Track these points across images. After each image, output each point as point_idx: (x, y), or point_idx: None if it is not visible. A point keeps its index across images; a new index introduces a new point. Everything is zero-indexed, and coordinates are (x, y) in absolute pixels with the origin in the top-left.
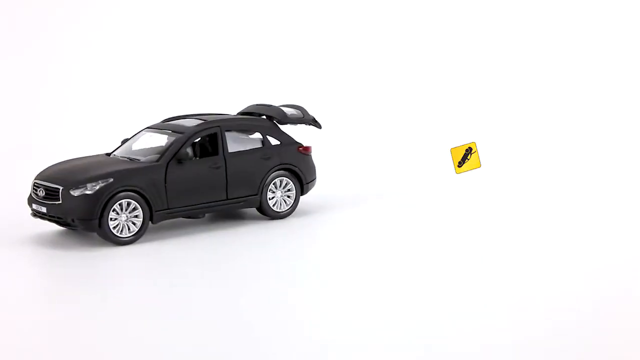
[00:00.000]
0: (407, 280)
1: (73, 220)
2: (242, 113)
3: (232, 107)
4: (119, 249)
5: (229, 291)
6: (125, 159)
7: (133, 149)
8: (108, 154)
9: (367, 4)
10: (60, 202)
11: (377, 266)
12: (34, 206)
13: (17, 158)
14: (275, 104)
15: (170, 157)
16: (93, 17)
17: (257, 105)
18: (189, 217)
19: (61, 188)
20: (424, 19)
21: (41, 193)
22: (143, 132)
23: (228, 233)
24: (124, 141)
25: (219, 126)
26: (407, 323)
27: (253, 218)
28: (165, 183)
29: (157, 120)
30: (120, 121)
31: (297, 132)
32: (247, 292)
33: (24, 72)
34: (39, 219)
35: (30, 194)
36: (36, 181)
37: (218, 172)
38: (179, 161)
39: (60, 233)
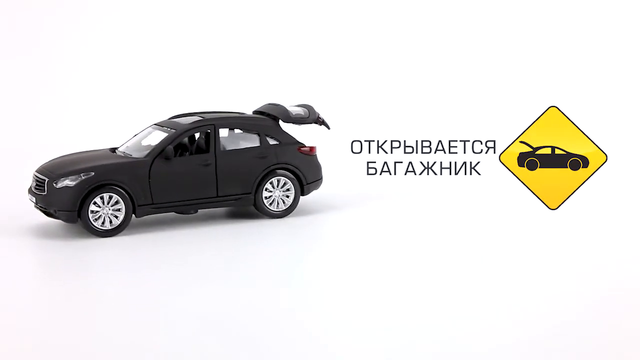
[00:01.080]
0: (408, 281)
1: (55, 211)
2: (256, 112)
3: (253, 106)
4: (103, 240)
5: (220, 288)
6: (121, 154)
7: (138, 144)
8: (113, 149)
9: (380, 6)
10: (45, 193)
11: (377, 267)
12: (29, 196)
13: (32, 152)
14: (289, 103)
15: (156, 153)
16: (107, 14)
17: (269, 104)
18: (180, 213)
19: (47, 179)
20: (433, 19)
21: (33, 184)
22: (149, 128)
23: (220, 229)
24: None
25: (213, 124)
26: (408, 324)
27: (252, 216)
28: (149, 178)
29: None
30: (144, 117)
31: (306, 133)
32: (238, 289)
33: (42, 68)
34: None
35: (30, 185)
36: (34, 173)
37: (208, 170)
38: (167, 157)
39: (53, 223)
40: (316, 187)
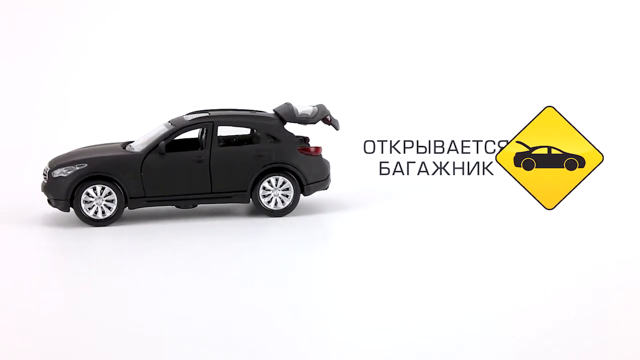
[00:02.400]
0: (407, 280)
1: (52, 199)
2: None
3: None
4: (96, 229)
5: (219, 286)
6: (128, 148)
7: (146, 140)
8: (125, 144)
9: (390, 7)
10: (46, 182)
11: (377, 267)
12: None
13: (32, 152)
14: (307, 103)
15: (150, 148)
16: (109, 12)
17: (284, 104)
18: (177, 207)
19: (49, 169)
20: (442, 18)
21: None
22: (162, 125)
23: (219, 227)
24: None
25: (212, 122)
26: (408, 324)
27: (252, 215)
28: (141, 172)
29: None
30: (146, 116)
31: (319, 133)
32: (238, 288)
33: (42, 68)
34: None
35: None
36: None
37: (201, 166)
38: (160, 153)
39: (50, 214)
40: (320, 187)
